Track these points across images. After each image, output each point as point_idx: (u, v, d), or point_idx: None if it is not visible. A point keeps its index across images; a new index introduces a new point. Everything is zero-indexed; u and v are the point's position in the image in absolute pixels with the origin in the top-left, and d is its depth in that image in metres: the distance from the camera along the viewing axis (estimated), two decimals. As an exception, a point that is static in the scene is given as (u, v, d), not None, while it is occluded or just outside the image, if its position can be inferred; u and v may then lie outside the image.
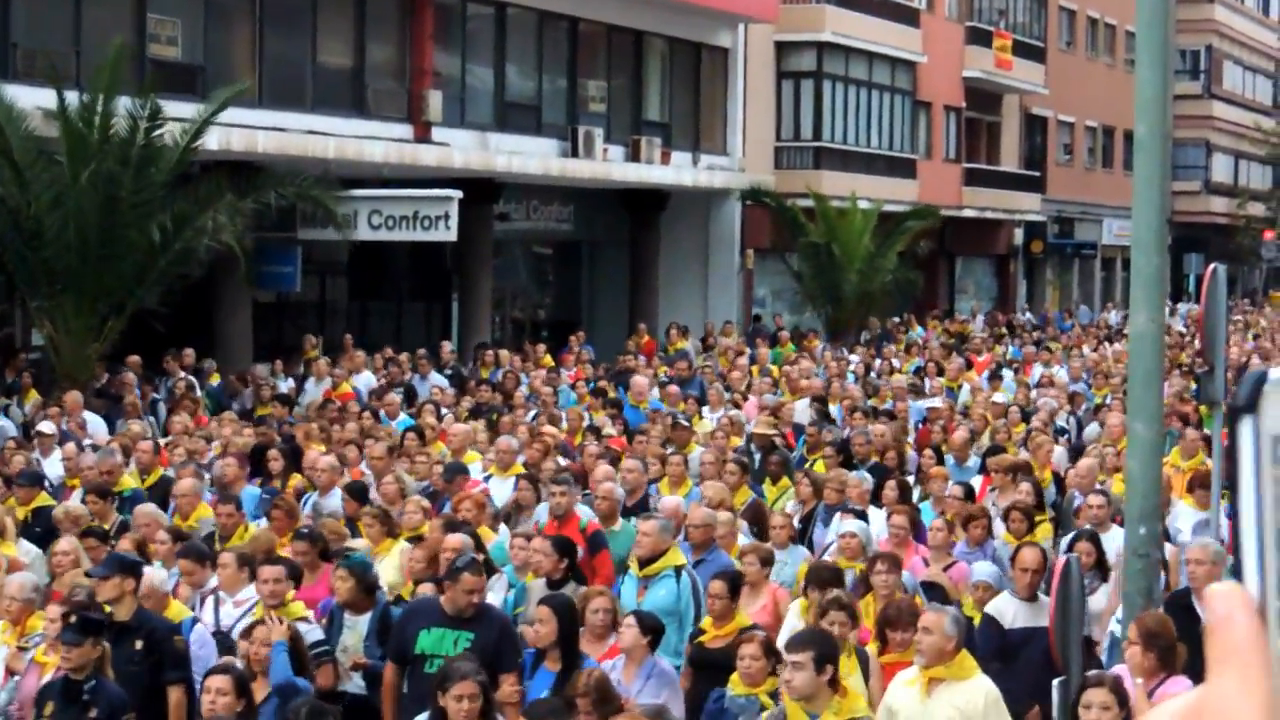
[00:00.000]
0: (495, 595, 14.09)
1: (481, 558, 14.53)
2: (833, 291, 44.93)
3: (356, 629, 13.37)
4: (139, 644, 12.19)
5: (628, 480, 18.07)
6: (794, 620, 13.19)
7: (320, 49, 34.67)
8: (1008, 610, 13.05)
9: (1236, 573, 1.33)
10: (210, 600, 13.76)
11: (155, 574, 13.48)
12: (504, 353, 33.57)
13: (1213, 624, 1.31)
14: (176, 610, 13.21)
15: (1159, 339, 13.83)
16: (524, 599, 13.94)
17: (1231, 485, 1.34)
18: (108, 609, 12.25)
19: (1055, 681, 11.87)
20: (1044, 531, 17.04)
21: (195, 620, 13.14)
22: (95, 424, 23.48)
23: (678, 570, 13.99)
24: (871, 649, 12.17)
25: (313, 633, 12.90)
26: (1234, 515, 1.34)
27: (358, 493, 17.71)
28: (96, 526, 16.09)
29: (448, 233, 32.94)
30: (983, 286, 65.94)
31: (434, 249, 36.43)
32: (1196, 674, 10.63)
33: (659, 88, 45.05)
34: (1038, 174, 66.61)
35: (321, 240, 33.00)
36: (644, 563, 14.09)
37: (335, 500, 17.99)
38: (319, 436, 22.19)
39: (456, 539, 14.03)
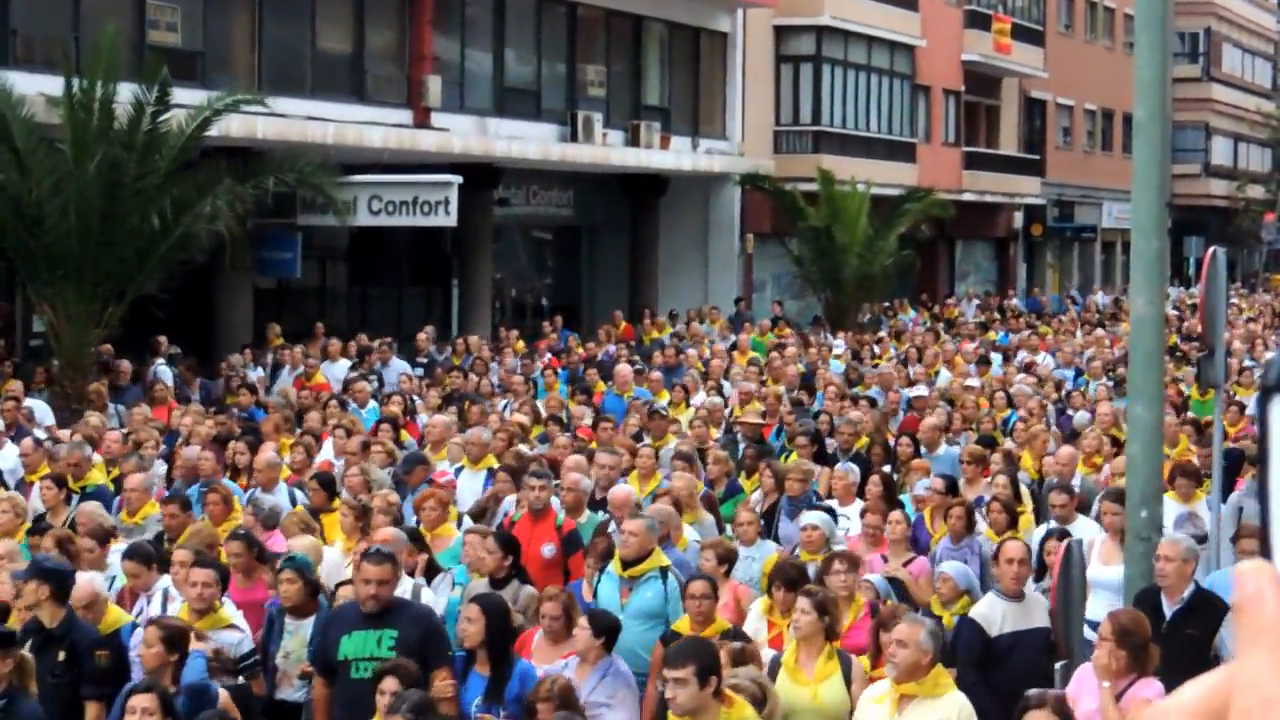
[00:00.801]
0: (440, 596, 13.63)
1: (425, 558, 14.13)
2: (833, 276, 44.89)
3: (299, 633, 12.69)
4: (62, 655, 11.61)
5: (602, 475, 17.25)
6: (755, 620, 12.70)
7: (319, 35, 34.66)
8: (994, 614, 12.42)
9: (1265, 550, 1.33)
10: (158, 598, 13.19)
11: (95, 578, 12.83)
12: (474, 339, 33.33)
13: (1241, 602, 1.31)
14: (115, 616, 12.46)
15: (1160, 322, 13.82)
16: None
17: (1261, 463, 1.35)
18: (46, 618, 11.72)
19: (1057, 666, 11.74)
20: (1024, 524, 16.31)
21: (135, 625, 12.29)
22: (42, 412, 22.96)
23: (663, 571, 13.38)
24: (863, 661, 11.57)
25: (246, 642, 12.39)
26: (1263, 493, 1.35)
27: (327, 484, 17.08)
28: (42, 523, 15.39)
29: (447, 218, 32.91)
30: (983, 270, 65.92)
31: (434, 234, 36.42)
32: (1165, 676, 10.37)
33: (658, 72, 45.03)
34: (1037, 157, 66.59)
35: (321, 226, 33.00)
36: (628, 563, 13.38)
37: (278, 496, 17.10)
38: (285, 428, 21.40)
39: (386, 533, 13.55)
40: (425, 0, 36.09)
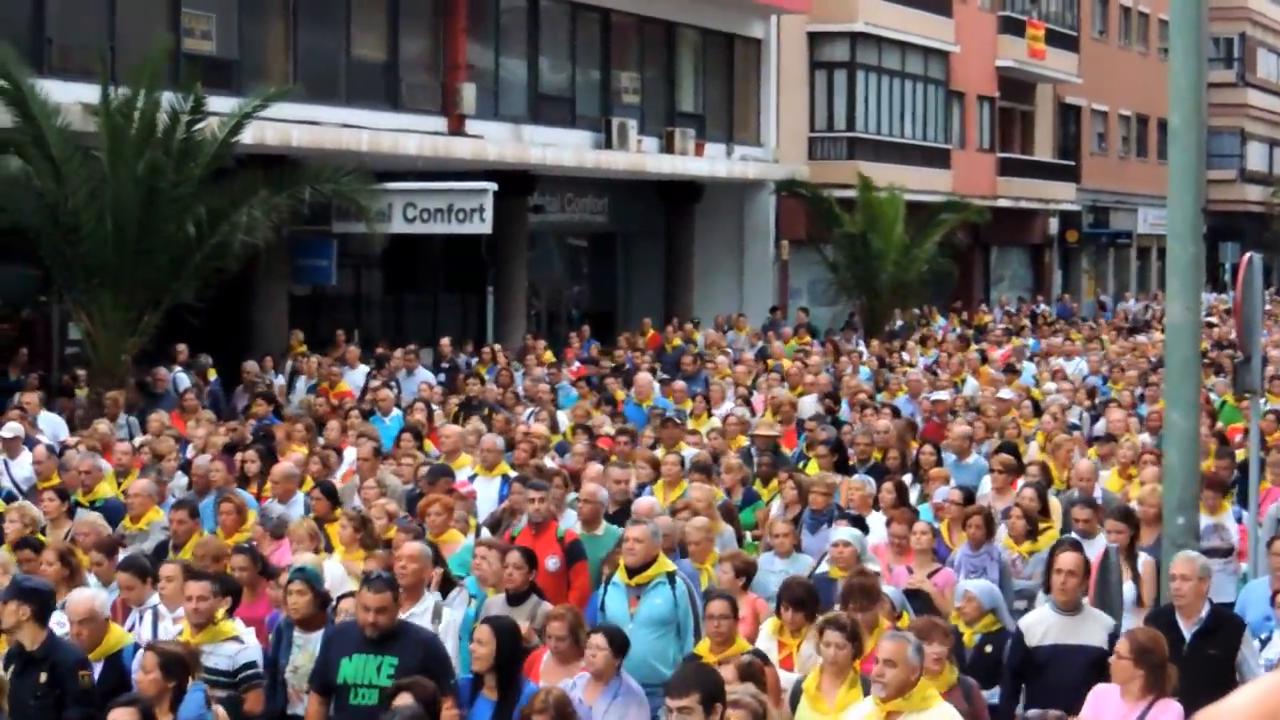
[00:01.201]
0: (456, 612, 13.33)
1: (440, 572, 13.76)
2: (868, 282, 44.82)
3: (308, 648, 12.23)
4: (44, 677, 11.31)
5: (616, 490, 17.01)
6: (765, 641, 12.38)
7: (354, 42, 34.73)
8: (1039, 624, 12.09)
9: None
10: (149, 616, 12.85)
11: (96, 595, 12.39)
12: (498, 348, 33.30)
13: None
14: (117, 636, 12.07)
15: (1196, 328, 13.80)
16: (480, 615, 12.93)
17: None
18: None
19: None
20: (1048, 539, 15.86)
21: (138, 646, 11.81)
22: (53, 425, 22.89)
23: (670, 577, 13.15)
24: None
25: (244, 654, 12.08)
26: None
27: (329, 493, 16.77)
28: (31, 537, 14.93)
29: (483, 225, 32.96)
30: (1018, 277, 65.79)
31: (469, 241, 36.43)
32: (1187, 699, 10.23)
33: (692, 79, 45.05)
34: (1072, 163, 66.46)
35: (356, 233, 33.06)
36: (633, 571, 13.16)
37: (295, 508, 16.98)
38: (300, 437, 21.07)
39: (413, 548, 13.10)
40: (459, 8, 36.17)
